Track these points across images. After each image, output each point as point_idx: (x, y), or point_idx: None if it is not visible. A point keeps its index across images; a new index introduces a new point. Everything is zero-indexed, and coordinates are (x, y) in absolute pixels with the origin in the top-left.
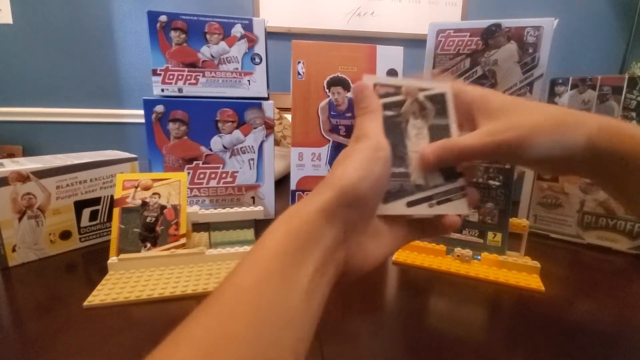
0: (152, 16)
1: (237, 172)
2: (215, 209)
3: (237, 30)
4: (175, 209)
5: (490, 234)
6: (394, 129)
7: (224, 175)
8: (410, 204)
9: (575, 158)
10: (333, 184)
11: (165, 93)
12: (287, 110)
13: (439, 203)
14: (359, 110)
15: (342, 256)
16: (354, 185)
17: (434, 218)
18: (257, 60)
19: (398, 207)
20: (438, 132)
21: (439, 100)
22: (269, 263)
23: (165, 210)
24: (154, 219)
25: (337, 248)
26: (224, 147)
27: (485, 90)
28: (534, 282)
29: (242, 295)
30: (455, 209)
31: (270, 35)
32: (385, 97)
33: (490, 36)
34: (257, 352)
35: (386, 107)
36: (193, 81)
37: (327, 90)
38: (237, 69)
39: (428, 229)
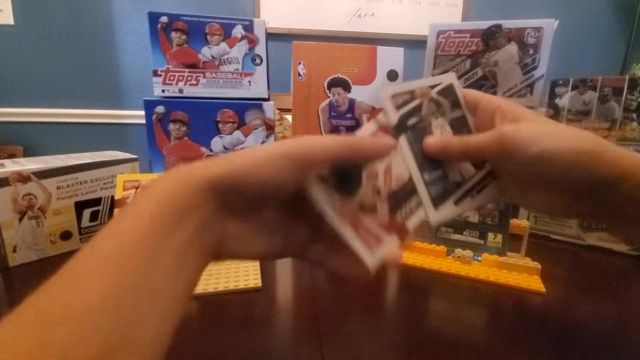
0: (153, 17)
1: None
2: None
3: (238, 31)
4: None
5: (490, 235)
6: (422, 135)
7: None
8: (457, 202)
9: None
10: (228, 165)
11: (166, 94)
12: (287, 111)
13: (478, 192)
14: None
15: (216, 234)
16: (241, 181)
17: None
18: (258, 61)
19: (448, 211)
20: (458, 126)
21: (450, 92)
22: (137, 230)
23: None
24: None
25: (212, 225)
26: (225, 147)
27: (507, 101)
28: (535, 283)
29: (98, 264)
30: (491, 195)
31: (271, 36)
32: (403, 106)
33: (491, 37)
34: (117, 319)
35: (408, 116)
36: (194, 82)
37: (327, 91)
38: (237, 69)
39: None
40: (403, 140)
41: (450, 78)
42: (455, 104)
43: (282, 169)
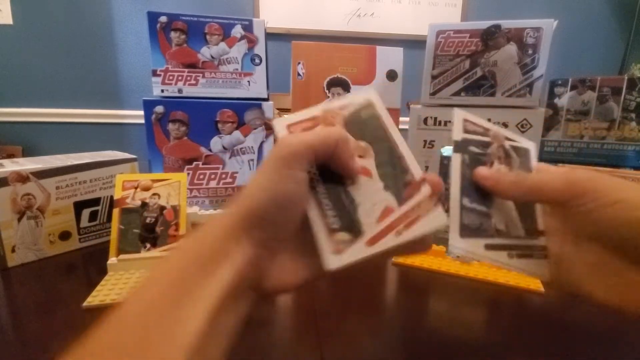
0: (152, 17)
1: (236, 172)
2: (215, 209)
3: (237, 31)
4: (175, 209)
5: None
6: (477, 164)
7: (223, 176)
8: (488, 247)
9: None
10: (240, 203)
11: (165, 94)
12: (287, 110)
13: (519, 256)
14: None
15: (256, 278)
16: (258, 208)
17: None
18: (257, 61)
19: (475, 247)
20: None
21: (523, 154)
22: (160, 290)
23: (164, 211)
24: (153, 219)
25: (250, 270)
26: (224, 147)
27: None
28: (534, 283)
29: (126, 327)
30: (536, 269)
31: (270, 36)
32: (473, 134)
33: (490, 37)
34: None
35: (472, 143)
36: (193, 82)
37: (326, 91)
38: (237, 69)
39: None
40: (457, 158)
41: (530, 144)
42: (526, 166)
43: (282, 178)
